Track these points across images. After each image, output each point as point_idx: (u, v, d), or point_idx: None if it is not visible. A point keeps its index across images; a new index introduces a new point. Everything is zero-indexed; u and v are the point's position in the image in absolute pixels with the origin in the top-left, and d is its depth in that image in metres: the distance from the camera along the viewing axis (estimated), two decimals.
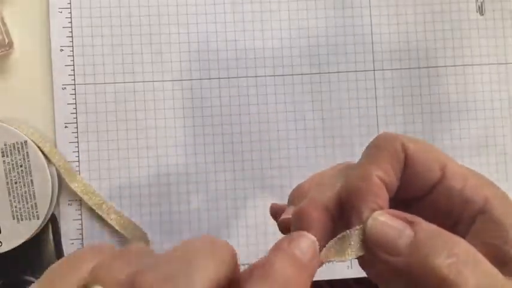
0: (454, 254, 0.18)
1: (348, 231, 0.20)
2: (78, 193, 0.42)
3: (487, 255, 0.19)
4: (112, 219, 0.42)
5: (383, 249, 0.19)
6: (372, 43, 0.45)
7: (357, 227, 0.20)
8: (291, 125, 0.44)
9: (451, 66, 0.46)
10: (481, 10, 0.46)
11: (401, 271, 0.19)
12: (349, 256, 0.20)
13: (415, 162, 0.21)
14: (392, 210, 0.20)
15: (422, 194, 0.22)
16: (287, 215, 0.25)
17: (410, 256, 0.18)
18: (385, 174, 0.21)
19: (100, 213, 0.42)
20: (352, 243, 0.20)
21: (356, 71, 0.45)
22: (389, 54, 0.45)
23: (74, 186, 0.42)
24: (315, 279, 0.19)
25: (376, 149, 0.22)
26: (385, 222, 0.19)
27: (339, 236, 0.20)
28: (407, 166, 0.21)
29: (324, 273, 0.44)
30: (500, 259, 0.20)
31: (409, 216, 0.19)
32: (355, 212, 0.20)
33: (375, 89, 0.45)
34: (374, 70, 0.45)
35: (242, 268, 0.18)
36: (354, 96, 0.45)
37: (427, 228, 0.19)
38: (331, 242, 0.20)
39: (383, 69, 0.45)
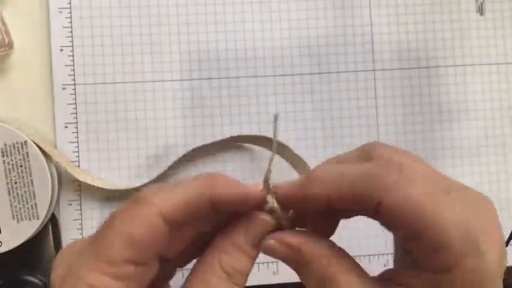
0: (332, 264, 0.24)
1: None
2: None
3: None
4: None
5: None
6: (372, 43, 0.45)
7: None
8: (291, 125, 0.44)
9: (451, 66, 0.46)
10: (481, 10, 0.46)
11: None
12: None
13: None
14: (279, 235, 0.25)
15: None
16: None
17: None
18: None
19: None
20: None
21: (356, 71, 0.45)
22: (389, 54, 0.45)
23: (76, 185, 0.42)
24: None
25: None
26: (272, 245, 0.25)
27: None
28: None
29: None
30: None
31: (295, 241, 0.24)
32: None
33: (375, 89, 0.45)
34: (374, 70, 0.45)
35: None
36: (354, 96, 0.45)
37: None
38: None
39: (383, 69, 0.45)
